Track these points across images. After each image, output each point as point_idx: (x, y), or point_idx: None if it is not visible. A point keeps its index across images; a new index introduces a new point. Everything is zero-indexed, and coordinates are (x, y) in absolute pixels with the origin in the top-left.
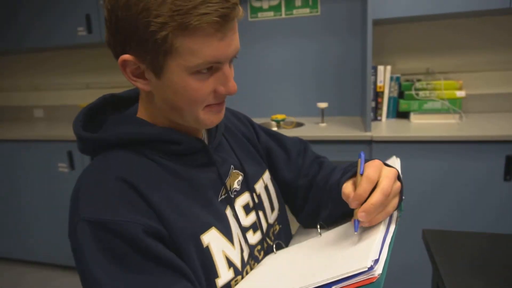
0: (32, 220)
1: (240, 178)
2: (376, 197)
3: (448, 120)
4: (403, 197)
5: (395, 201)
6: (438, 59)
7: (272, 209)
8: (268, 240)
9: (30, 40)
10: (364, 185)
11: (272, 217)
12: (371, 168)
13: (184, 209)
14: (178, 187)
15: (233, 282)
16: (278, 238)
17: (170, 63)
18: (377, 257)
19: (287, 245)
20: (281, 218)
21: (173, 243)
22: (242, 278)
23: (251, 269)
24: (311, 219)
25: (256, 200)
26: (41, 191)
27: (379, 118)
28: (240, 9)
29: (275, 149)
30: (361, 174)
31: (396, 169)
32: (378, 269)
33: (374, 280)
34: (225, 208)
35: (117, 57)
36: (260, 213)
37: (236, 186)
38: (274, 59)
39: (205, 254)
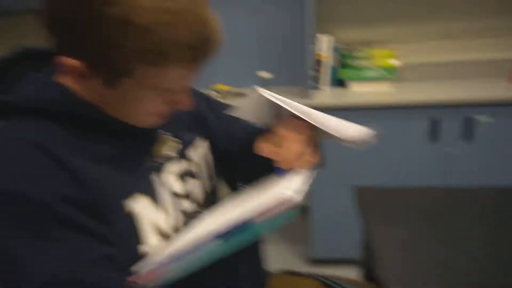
0: None
1: (173, 144)
2: (292, 147)
3: (384, 88)
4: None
5: (314, 151)
6: (376, 29)
7: (210, 178)
8: (204, 210)
9: None
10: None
11: (209, 187)
12: (285, 130)
13: (107, 175)
14: (100, 153)
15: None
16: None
17: (128, 82)
18: (297, 187)
19: None
20: (216, 188)
21: (95, 209)
22: None
23: None
24: (243, 179)
25: (193, 168)
26: None
27: (319, 86)
28: (220, 43)
29: (209, 115)
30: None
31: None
32: (297, 197)
33: (293, 205)
34: (154, 174)
35: (59, 48)
36: (197, 182)
37: (168, 152)
38: None
39: (129, 220)
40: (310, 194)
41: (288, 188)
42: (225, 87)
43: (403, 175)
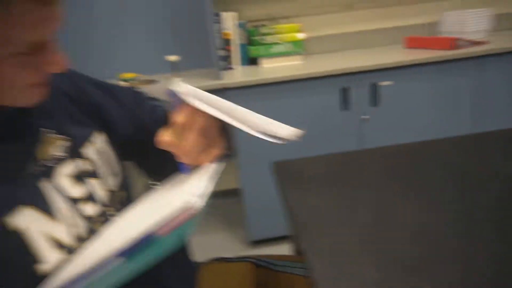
0: None
1: (61, 143)
2: (190, 137)
3: (294, 62)
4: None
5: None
6: (279, 4)
7: (114, 174)
8: (112, 210)
9: None
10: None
11: (114, 184)
12: (178, 116)
13: None
14: None
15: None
16: (124, 205)
17: None
18: (201, 191)
19: None
20: (127, 184)
21: None
22: None
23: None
24: (158, 172)
25: (88, 167)
26: None
27: (231, 66)
28: None
29: (106, 103)
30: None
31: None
32: (200, 202)
33: (195, 212)
34: (40, 180)
35: None
36: (95, 181)
37: (54, 153)
38: (116, 14)
39: (17, 238)
40: (239, 177)
41: (190, 192)
42: (132, 75)
43: (321, 145)
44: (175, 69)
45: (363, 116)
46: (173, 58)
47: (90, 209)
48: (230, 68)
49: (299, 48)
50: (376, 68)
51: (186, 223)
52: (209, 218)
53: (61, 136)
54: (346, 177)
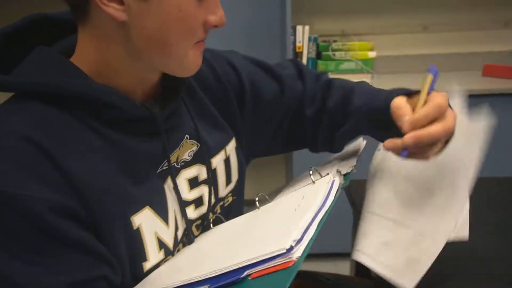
0: None
1: (194, 148)
2: (438, 130)
3: (362, 80)
4: (354, 170)
5: (442, 145)
6: (352, 21)
7: (228, 182)
8: (211, 214)
9: None
10: (428, 109)
11: (225, 191)
12: (440, 96)
13: (113, 185)
14: (109, 157)
15: (162, 263)
16: (227, 210)
17: None
18: (299, 237)
19: (234, 216)
20: (237, 190)
21: (94, 223)
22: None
23: (184, 246)
24: (327, 146)
25: (209, 175)
26: None
27: None
28: None
29: (263, 82)
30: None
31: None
32: (297, 252)
33: (290, 265)
34: (164, 180)
35: None
36: (206, 188)
37: (186, 157)
38: None
39: (135, 237)
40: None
41: (290, 235)
42: None
43: None
44: None
45: None
46: None
47: (193, 212)
48: None
49: (369, 66)
50: None
51: (276, 274)
52: None
53: (196, 141)
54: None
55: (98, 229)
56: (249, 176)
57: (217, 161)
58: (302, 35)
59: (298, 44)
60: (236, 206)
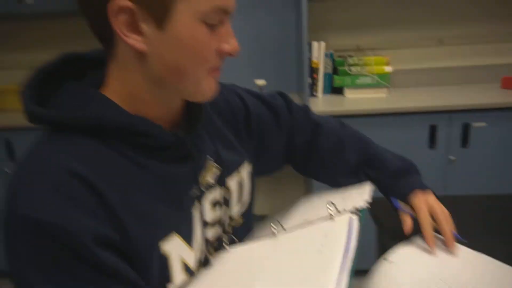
0: None
1: (216, 171)
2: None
3: (378, 94)
4: (368, 206)
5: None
6: (367, 36)
7: (240, 204)
8: (225, 235)
9: None
10: (427, 228)
11: (236, 212)
12: (424, 221)
13: (146, 212)
14: (143, 184)
15: (184, 285)
16: (237, 231)
17: (179, 7)
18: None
19: (242, 238)
20: (248, 213)
21: (128, 250)
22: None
23: (203, 266)
24: (311, 176)
25: (226, 196)
26: None
27: (315, 94)
28: None
29: (262, 112)
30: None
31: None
32: None
33: None
34: (193, 204)
35: (99, 10)
36: (223, 209)
37: (209, 180)
38: None
39: (162, 261)
40: None
41: (323, 281)
42: None
43: None
44: (261, 91)
45: (450, 157)
46: (261, 82)
47: (212, 233)
48: (313, 96)
49: (385, 81)
50: (469, 108)
51: None
52: None
53: (217, 164)
54: None
55: (132, 255)
56: (267, 190)
57: (232, 183)
58: (318, 51)
59: (314, 60)
60: (246, 229)
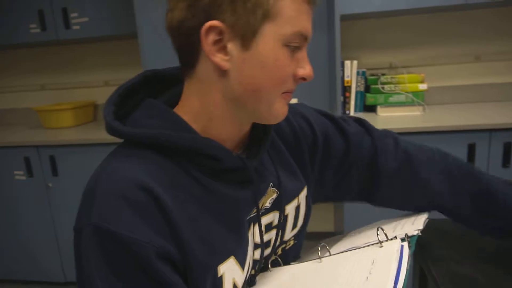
0: None
1: (275, 196)
2: None
3: (412, 112)
4: (419, 233)
5: None
6: (400, 53)
7: (294, 227)
8: (272, 256)
9: None
10: None
11: (289, 235)
12: None
13: (207, 233)
14: (206, 205)
15: None
16: (287, 252)
17: (266, 29)
18: None
19: (290, 261)
20: (300, 234)
21: (186, 268)
22: None
23: (247, 285)
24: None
25: (281, 220)
26: None
27: (347, 112)
28: None
29: (333, 135)
30: None
31: None
32: None
33: None
34: (250, 227)
35: (189, 34)
36: (275, 232)
37: (267, 204)
38: None
39: (217, 283)
40: (342, 221)
41: None
42: None
43: None
44: None
45: None
46: (293, 101)
47: (258, 254)
48: (346, 114)
49: (419, 98)
50: (510, 126)
51: None
52: None
53: (277, 189)
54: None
55: (189, 274)
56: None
57: (290, 208)
58: (350, 70)
59: (346, 79)
60: (296, 248)
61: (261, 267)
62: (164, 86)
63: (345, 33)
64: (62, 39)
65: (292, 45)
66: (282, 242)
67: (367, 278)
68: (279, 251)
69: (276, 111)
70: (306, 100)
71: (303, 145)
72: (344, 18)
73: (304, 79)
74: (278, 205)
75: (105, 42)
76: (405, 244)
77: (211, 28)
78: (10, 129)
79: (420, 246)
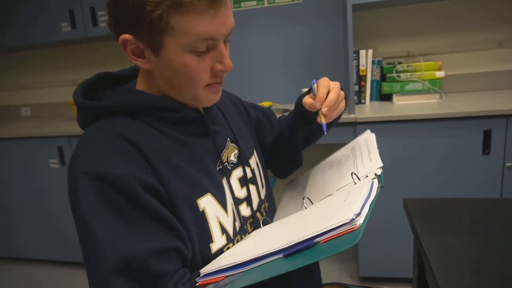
0: (25, 216)
1: (236, 151)
2: (332, 94)
3: (429, 100)
4: (381, 171)
5: (343, 103)
6: (418, 41)
7: (262, 185)
8: (258, 215)
9: (12, 37)
10: (322, 89)
11: (263, 193)
12: (323, 80)
13: (182, 172)
14: (177, 152)
15: (225, 249)
16: (266, 215)
17: (167, 41)
18: (358, 211)
19: (271, 219)
20: (269, 196)
21: (171, 205)
22: (233, 245)
23: (241, 239)
24: (290, 163)
25: (250, 174)
26: (33, 188)
27: (363, 101)
28: None
29: (262, 119)
30: (314, 95)
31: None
32: (359, 220)
33: (355, 229)
34: (222, 177)
35: (117, 38)
36: (253, 188)
37: (232, 158)
38: (258, 47)
39: (201, 218)
40: None
41: (350, 210)
42: (268, 103)
43: (455, 188)
44: None
45: (508, 164)
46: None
47: (245, 210)
48: (361, 103)
49: (436, 86)
50: None
51: (342, 237)
52: None
53: (235, 144)
54: (488, 224)
55: (174, 209)
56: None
57: (253, 163)
58: (366, 59)
59: (361, 68)
60: (270, 212)
61: (254, 225)
62: (120, 84)
63: (361, 22)
64: (90, 36)
65: (200, 49)
66: (261, 201)
67: (344, 200)
68: (263, 211)
69: (201, 100)
70: None
71: (244, 114)
72: (359, 7)
73: (223, 71)
74: (244, 160)
75: None
76: (375, 180)
77: (125, 40)
78: (45, 122)
79: (414, 223)
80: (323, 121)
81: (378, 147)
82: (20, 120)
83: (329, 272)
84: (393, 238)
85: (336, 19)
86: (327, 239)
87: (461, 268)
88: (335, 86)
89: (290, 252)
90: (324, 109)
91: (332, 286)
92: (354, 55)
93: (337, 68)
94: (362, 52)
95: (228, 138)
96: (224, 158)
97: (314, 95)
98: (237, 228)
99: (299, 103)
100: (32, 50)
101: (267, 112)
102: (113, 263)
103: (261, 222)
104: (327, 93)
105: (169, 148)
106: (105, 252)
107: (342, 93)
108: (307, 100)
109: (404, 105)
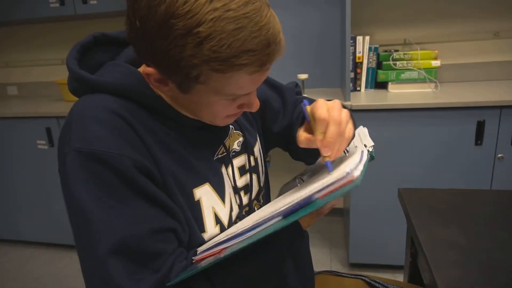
0: (12, 198)
1: (241, 139)
2: (331, 130)
3: (424, 89)
4: (372, 148)
5: (350, 125)
6: (415, 30)
7: (262, 172)
8: (256, 202)
9: None
10: (319, 126)
11: (262, 181)
12: (319, 110)
13: (180, 159)
14: (175, 139)
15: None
16: (264, 202)
17: (199, 88)
18: (353, 167)
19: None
20: (267, 183)
21: (165, 189)
22: None
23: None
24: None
25: (253, 163)
26: (21, 170)
27: (358, 88)
28: (282, 45)
29: (271, 104)
30: (308, 121)
31: (338, 100)
32: (356, 172)
33: (353, 179)
34: (221, 166)
35: (139, 56)
36: (254, 176)
37: (235, 147)
38: None
39: (196, 208)
40: (349, 196)
41: (345, 167)
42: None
43: (445, 176)
44: (303, 85)
45: (500, 155)
46: (303, 76)
47: (244, 197)
48: (356, 90)
49: (432, 75)
50: None
51: (340, 189)
52: (310, 234)
53: (240, 132)
54: (483, 215)
55: (167, 193)
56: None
57: (256, 151)
58: (362, 46)
59: (358, 55)
60: (267, 198)
61: (249, 212)
62: (115, 48)
63: (359, 8)
64: (79, 14)
65: (230, 98)
66: (260, 188)
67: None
68: (261, 199)
69: (217, 123)
70: (317, 76)
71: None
72: None
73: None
74: (248, 147)
75: (121, 17)
76: (365, 150)
77: (151, 74)
78: (34, 102)
79: (407, 214)
80: (326, 159)
81: (371, 136)
82: (6, 99)
83: (318, 258)
84: (384, 224)
85: (333, 4)
86: (326, 193)
87: (453, 258)
88: (333, 112)
89: (289, 212)
90: (325, 152)
91: (324, 274)
92: (351, 41)
93: (331, 55)
94: (359, 39)
95: (232, 126)
96: (227, 146)
97: (308, 121)
98: (233, 217)
99: (292, 136)
100: (16, 26)
101: (283, 93)
102: (108, 244)
103: (255, 209)
104: (326, 125)
105: (167, 133)
106: (99, 233)
107: (345, 113)
108: (302, 137)
109: (399, 93)
